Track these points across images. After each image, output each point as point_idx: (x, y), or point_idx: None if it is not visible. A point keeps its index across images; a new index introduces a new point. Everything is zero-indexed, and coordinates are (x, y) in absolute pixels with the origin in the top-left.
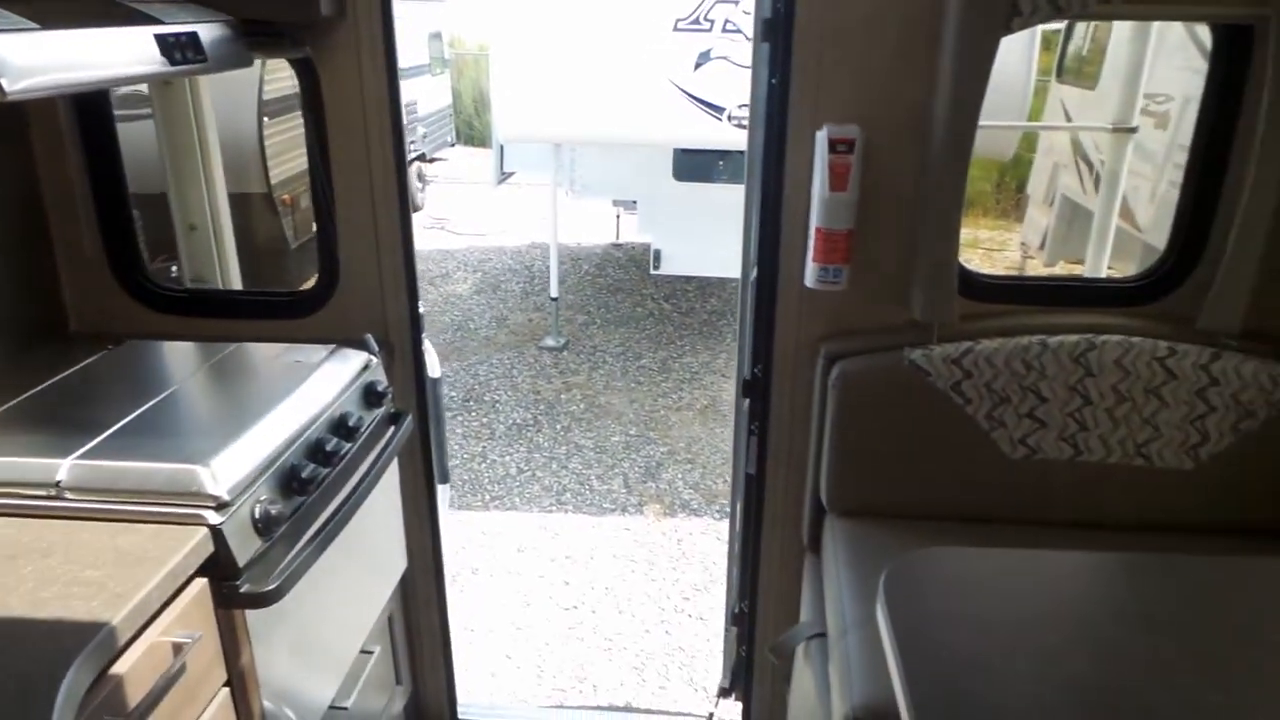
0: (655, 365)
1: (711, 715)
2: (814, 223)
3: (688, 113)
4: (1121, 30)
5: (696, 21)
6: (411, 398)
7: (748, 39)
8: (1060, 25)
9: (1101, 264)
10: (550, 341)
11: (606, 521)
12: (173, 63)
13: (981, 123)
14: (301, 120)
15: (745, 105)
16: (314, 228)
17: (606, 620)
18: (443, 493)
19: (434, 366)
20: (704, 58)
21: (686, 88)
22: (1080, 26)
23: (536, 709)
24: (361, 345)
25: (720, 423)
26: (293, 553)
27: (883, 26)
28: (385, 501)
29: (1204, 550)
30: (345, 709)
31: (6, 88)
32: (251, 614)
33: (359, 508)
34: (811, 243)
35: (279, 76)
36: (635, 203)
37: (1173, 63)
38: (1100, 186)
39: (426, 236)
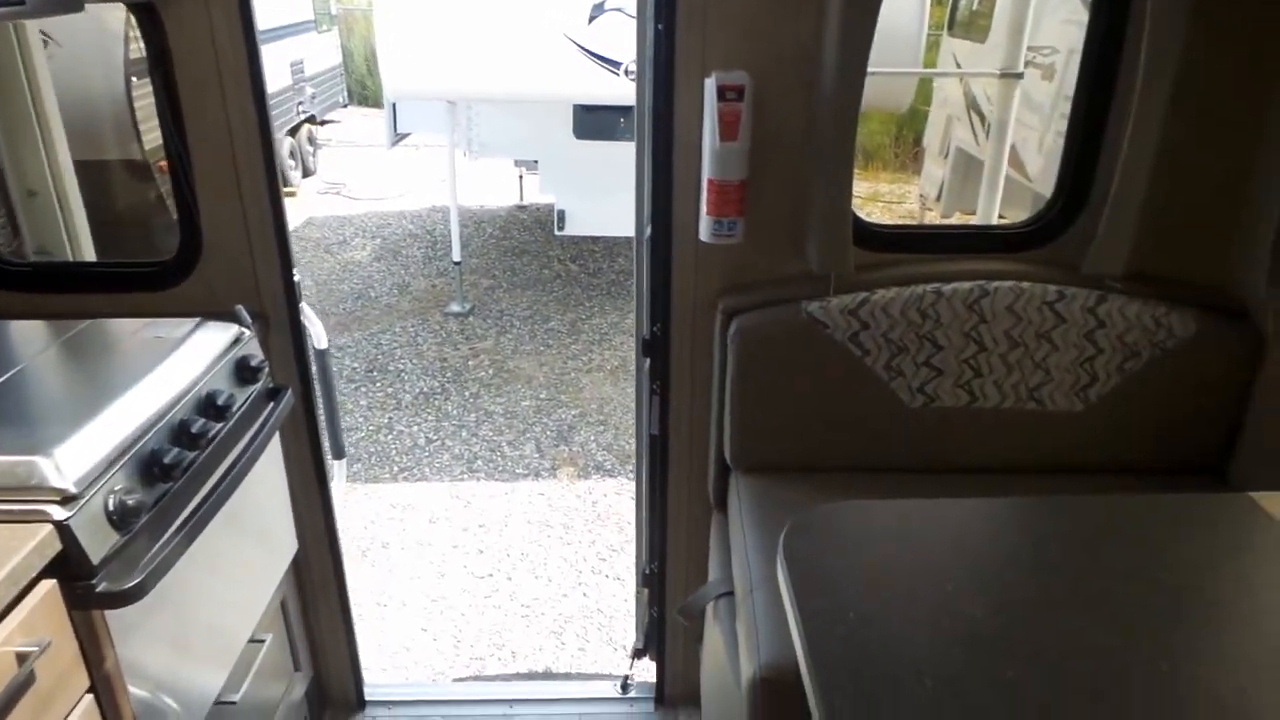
0: (564, 327)
1: (627, 678)
2: (706, 174)
3: (583, 68)
4: None
5: None
6: (293, 371)
7: None
8: None
9: (992, 211)
10: (455, 307)
11: (520, 487)
12: None
13: (871, 68)
14: None
15: None
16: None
17: (523, 586)
18: (339, 468)
19: (320, 337)
20: (598, 10)
21: (581, 42)
22: None
23: (447, 684)
24: (232, 318)
25: (632, 383)
26: (157, 545)
27: None
28: (268, 482)
29: (1094, 489)
30: (233, 703)
31: None
32: (113, 614)
33: (235, 491)
34: (704, 195)
35: None
36: (537, 163)
37: (1058, 16)
38: (991, 139)
39: (321, 202)
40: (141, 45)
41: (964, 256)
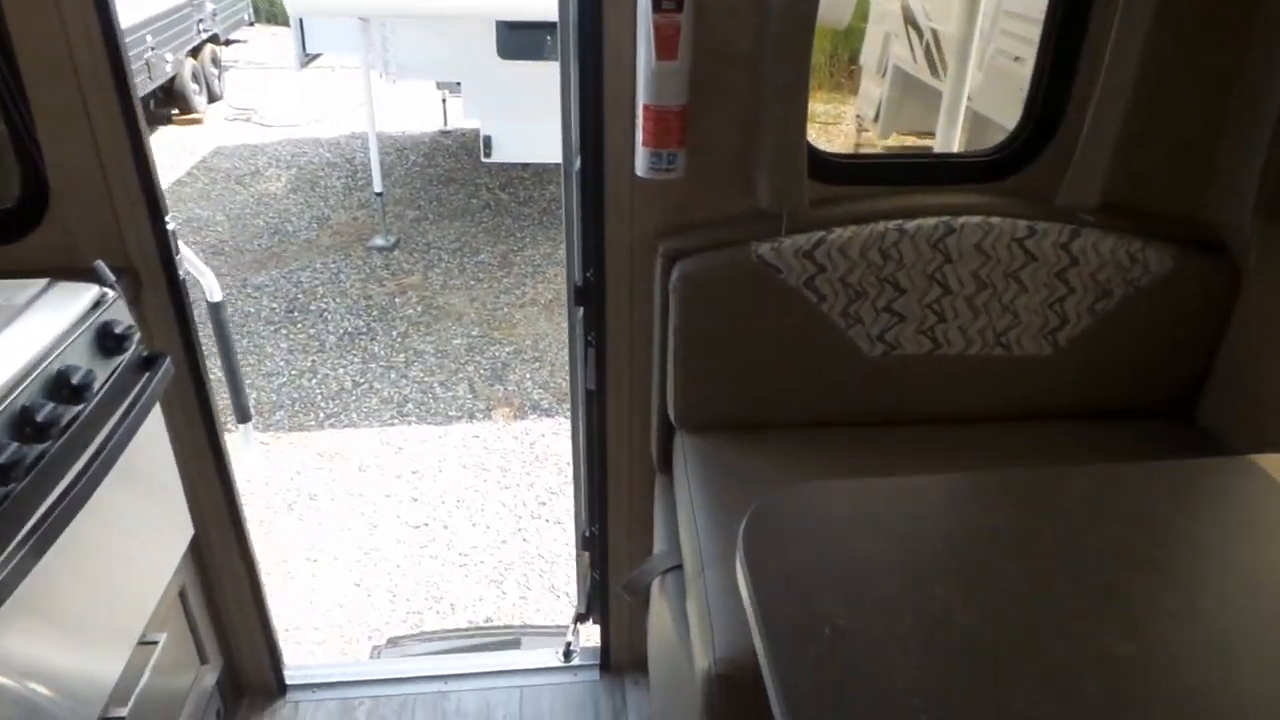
0: (495, 260)
1: (569, 645)
2: (641, 99)
3: None
4: None
5: None
6: (174, 333)
7: None
8: None
9: (952, 140)
10: (379, 241)
11: (454, 430)
12: None
13: None
14: None
15: None
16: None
17: (460, 535)
18: (244, 433)
19: (212, 289)
20: None
21: None
22: None
23: (375, 663)
24: (91, 276)
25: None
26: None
27: None
28: (150, 464)
29: (1062, 436)
30: (121, 718)
31: None
32: None
33: (102, 482)
34: (640, 124)
35: None
36: (460, 85)
37: None
38: (950, 59)
39: (230, 130)
40: None
41: (927, 189)
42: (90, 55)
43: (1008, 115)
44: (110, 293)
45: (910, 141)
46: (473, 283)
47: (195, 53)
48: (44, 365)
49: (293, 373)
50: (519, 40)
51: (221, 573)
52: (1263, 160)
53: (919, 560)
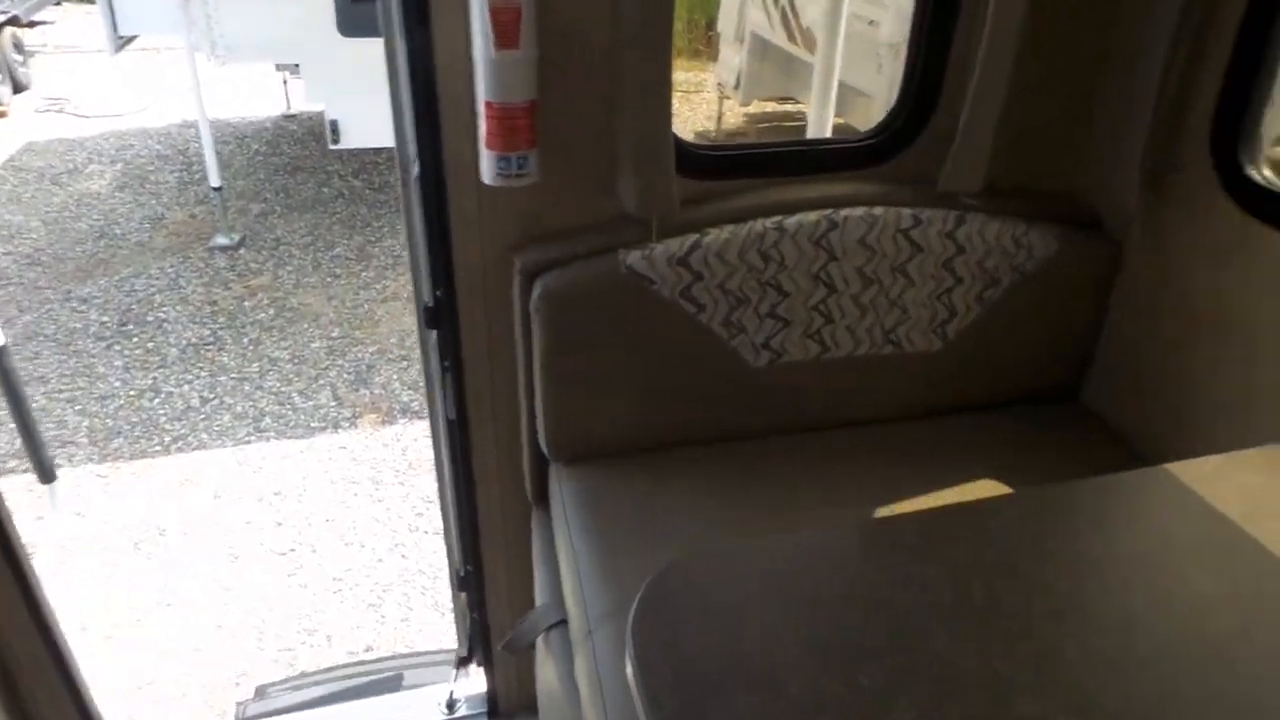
0: (352, 253)
1: (452, 694)
2: (482, 96)
3: None
4: None
5: None
6: None
7: None
8: None
9: (825, 123)
10: (221, 240)
11: (317, 443)
12: None
13: None
14: None
15: None
16: None
17: (331, 557)
18: (50, 496)
19: None
20: None
21: None
22: None
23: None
24: None
25: None
26: None
27: None
28: None
29: (954, 432)
30: None
31: None
32: None
33: None
34: (483, 124)
35: None
36: (299, 66)
37: None
38: (818, 34)
39: (41, 123)
40: None
41: (805, 179)
42: None
43: (866, 82)
44: None
45: (771, 108)
46: (329, 280)
47: None
48: None
49: (131, 393)
50: (361, 15)
51: (30, 680)
52: (1146, 135)
53: (839, 639)
